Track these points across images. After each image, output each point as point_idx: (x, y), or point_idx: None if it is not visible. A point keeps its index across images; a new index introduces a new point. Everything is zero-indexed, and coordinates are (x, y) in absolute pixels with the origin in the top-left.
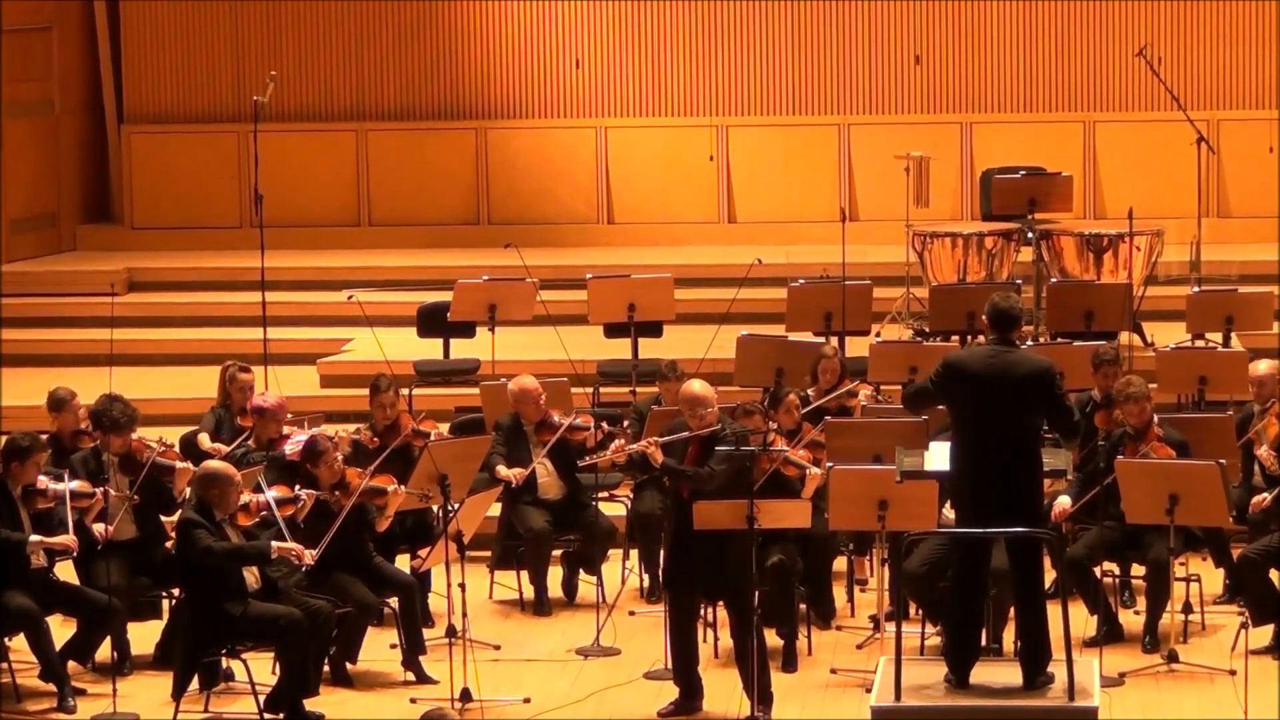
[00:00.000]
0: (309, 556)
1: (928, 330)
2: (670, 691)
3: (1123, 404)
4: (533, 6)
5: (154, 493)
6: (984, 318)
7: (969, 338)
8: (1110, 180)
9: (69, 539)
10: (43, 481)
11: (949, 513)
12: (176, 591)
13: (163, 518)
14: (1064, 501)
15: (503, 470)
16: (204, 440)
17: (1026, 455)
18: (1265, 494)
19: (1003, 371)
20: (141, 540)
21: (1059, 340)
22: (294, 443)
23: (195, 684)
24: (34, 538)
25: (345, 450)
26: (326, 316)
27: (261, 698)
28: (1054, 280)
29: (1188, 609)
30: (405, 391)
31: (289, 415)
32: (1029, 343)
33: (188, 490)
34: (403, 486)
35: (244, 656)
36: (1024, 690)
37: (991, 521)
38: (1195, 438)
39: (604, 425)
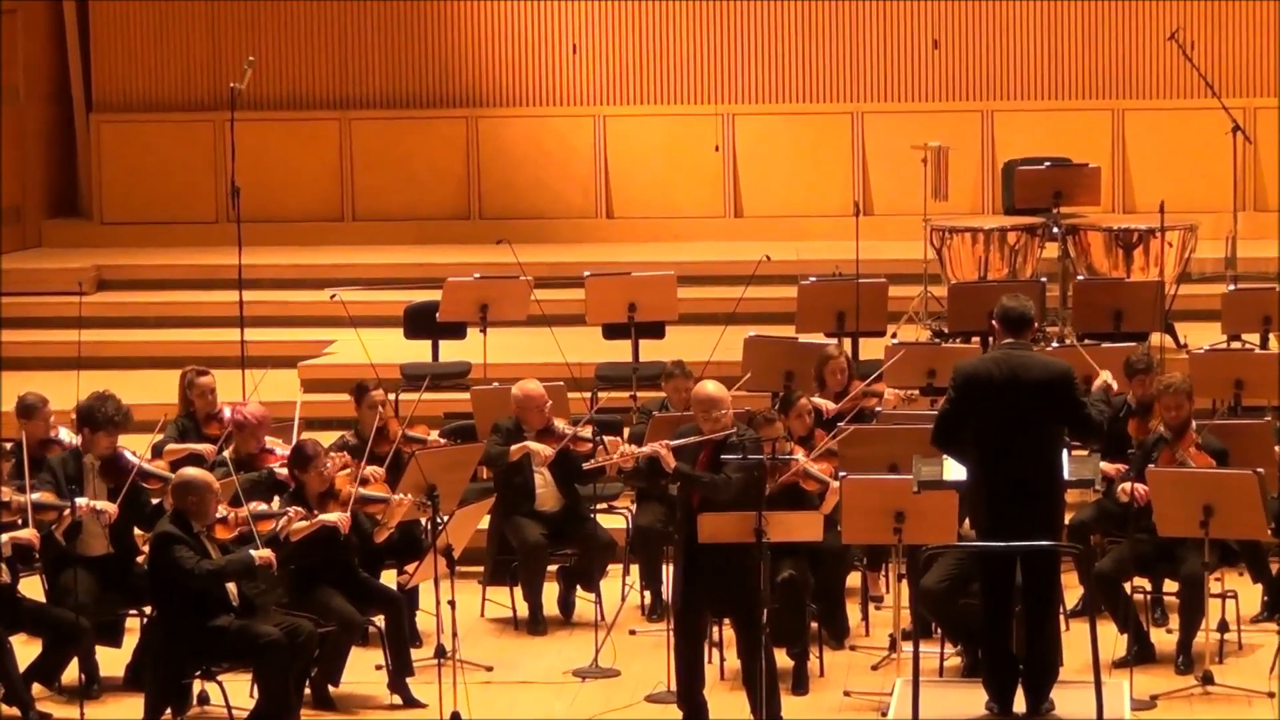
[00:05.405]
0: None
1: (947, 331)
2: (673, 715)
3: (1160, 396)
4: None
5: (132, 507)
6: (994, 323)
7: (990, 339)
8: (1140, 172)
9: (30, 533)
10: (6, 492)
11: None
12: (148, 610)
13: (138, 531)
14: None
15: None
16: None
17: (1044, 464)
18: None
19: (1015, 374)
20: (113, 556)
21: (1086, 342)
22: (282, 461)
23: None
24: (3, 537)
25: (338, 457)
26: (308, 317)
27: None
28: (1081, 278)
29: (1224, 627)
30: (391, 396)
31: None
32: (1054, 344)
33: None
34: (405, 496)
35: (220, 678)
36: (1031, 716)
37: (1009, 535)
38: (1231, 445)
39: (604, 439)
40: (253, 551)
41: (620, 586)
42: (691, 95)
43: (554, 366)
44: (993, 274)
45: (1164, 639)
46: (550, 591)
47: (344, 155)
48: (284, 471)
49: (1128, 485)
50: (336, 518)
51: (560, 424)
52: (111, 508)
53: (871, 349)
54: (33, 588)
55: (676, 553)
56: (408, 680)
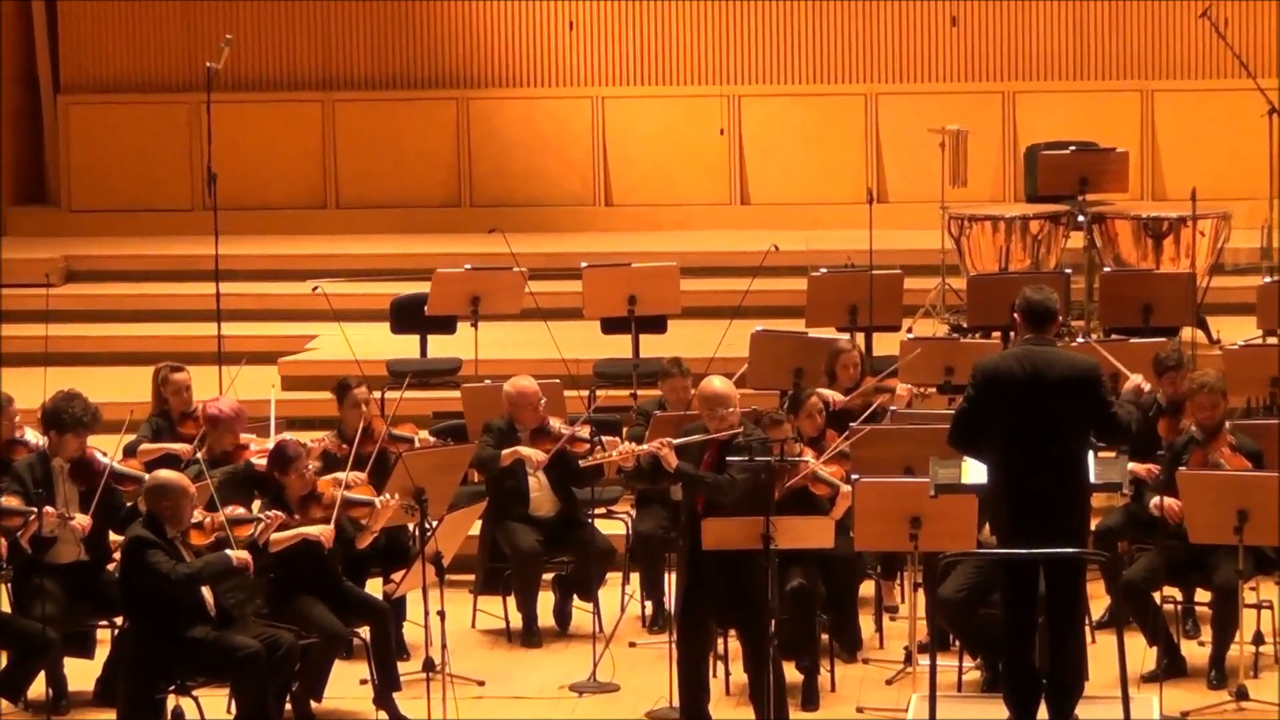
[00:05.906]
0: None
1: (965, 325)
2: None
3: (1193, 396)
4: None
5: (106, 510)
6: (1015, 315)
7: (1011, 334)
8: (1171, 157)
9: None
10: None
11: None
12: (120, 620)
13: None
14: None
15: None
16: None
17: (1069, 466)
18: None
19: (1038, 372)
20: (84, 563)
21: (1114, 337)
22: (259, 454)
23: None
24: None
25: (317, 463)
26: (288, 310)
27: None
28: (1108, 269)
29: (1258, 639)
30: (377, 394)
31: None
32: (1079, 339)
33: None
34: (391, 497)
35: (196, 693)
36: None
37: (1032, 542)
38: (1266, 446)
39: (602, 439)
40: (229, 552)
41: (620, 596)
42: (695, 75)
43: (549, 363)
44: (1014, 265)
45: (1195, 652)
46: (545, 601)
47: (327, 139)
48: (261, 463)
49: (1160, 500)
50: (319, 531)
51: (556, 423)
52: (85, 520)
53: (886, 344)
54: None
55: (680, 560)
56: (394, 695)
